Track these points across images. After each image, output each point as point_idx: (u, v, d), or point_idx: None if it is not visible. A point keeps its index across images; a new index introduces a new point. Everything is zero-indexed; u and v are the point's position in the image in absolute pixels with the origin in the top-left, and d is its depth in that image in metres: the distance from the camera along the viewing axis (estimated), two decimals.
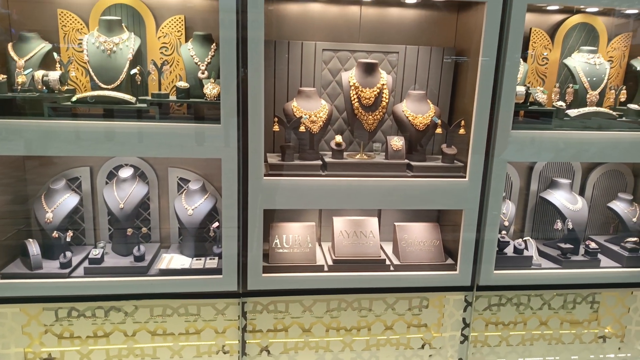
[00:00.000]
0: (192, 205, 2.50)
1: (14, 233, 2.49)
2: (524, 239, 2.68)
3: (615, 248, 2.73)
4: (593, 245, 2.66)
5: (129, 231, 2.41)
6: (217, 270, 2.35)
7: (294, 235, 2.51)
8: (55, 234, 2.34)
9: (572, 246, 2.64)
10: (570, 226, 2.65)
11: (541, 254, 2.71)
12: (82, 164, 2.54)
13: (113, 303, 2.39)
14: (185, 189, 2.57)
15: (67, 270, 2.30)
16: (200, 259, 2.45)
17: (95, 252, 2.35)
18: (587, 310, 2.71)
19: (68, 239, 2.38)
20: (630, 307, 2.74)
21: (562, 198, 2.73)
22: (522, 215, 2.90)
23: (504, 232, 2.60)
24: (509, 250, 2.60)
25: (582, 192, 2.91)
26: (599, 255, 2.67)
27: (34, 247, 2.32)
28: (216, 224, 2.48)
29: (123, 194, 2.45)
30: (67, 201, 2.44)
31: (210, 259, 2.46)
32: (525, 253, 2.61)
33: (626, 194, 2.82)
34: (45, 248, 2.37)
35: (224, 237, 2.28)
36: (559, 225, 2.67)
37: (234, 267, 2.31)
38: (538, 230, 2.91)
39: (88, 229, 2.61)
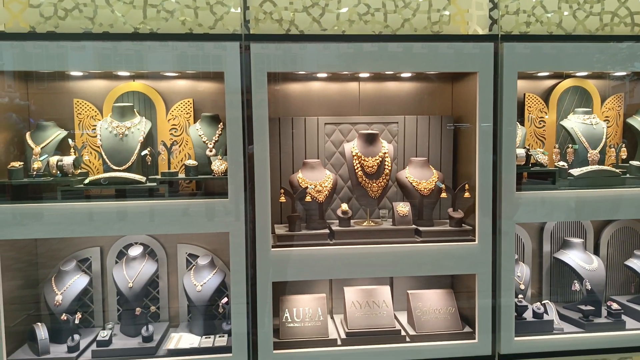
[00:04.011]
0: (201, 281, 2.48)
1: (23, 318, 2.46)
2: (543, 302, 2.59)
3: (639, 308, 2.62)
4: (615, 306, 2.56)
5: (138, 310, 2.38)
6: (227, 349, 2.28)
7: (304, 308, 2.45)
8: (63, 316, 2.32)
9: (593, 308, 2.54)
10: (589, 287, 2.57)
11: (562, 317, 2.60)
12: (92, 245, 2.57)
13: None
14: (194, 265, 2.57)
15: (74, 355, 2.25)
16: (209, 337, 2.39)
17: (104, 334, 2.31)
18: None
19: (77, 322, 2.36)
20: None
21: (576, 258, 2.67)
22: (538, 277, 2.83)
23: (520, 295, 2.52)
24: (528, 315, 2.51)
25: (596, 251, 2.85)
26: (623, 317, 2.56)
27: (41, 332, 2.29)
28: (225, 300, 2.44)
29: (132, 273, 2.45)
30: (77, 282, 2.44)
31: (219, 336, 2.40)
32: (546, 317, 2.51)
33: None
34: (53, 332, 2.34)
35: (233, 314, 2.25)
36: (576, 286, 2.59)
37: (244, 344, 2.25)
38: (556, 292, 2.82)
39: (97, 310, 2.58)
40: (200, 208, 2.23)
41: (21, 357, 2.24)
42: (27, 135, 2.40)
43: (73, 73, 2.43)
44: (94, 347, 2.29)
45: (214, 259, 2.59)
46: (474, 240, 2.37)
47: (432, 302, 2.54)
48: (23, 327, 2.40)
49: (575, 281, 2.61)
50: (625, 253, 2.85)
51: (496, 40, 2.29)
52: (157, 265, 2.55)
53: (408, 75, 2.65)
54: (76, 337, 2.31)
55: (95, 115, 2.49)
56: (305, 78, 2.65)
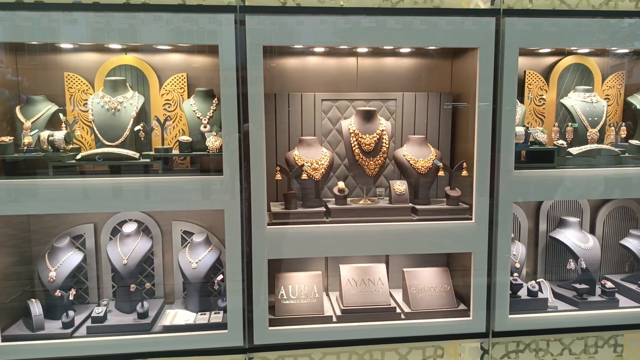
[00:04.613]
0: (196, 259, 2.47)
1: (18, 294, 2.46)
2: (538, 280, 2.60)
3: (633, 287, 2.64)
4: (609, 284, 2.58)
5: (133, 287, 2.37)
6: (222, 325, 2.29)
7: (300, 286, 2.45)
8: (58, 292, 2.31)
9: (587, 286, 2.56)
10: (584, 265, 2.58)
11: (556, 295, 2.62)
12: (86, 221, 2.55)
13: None
14: (189, 242, 2.56)
15: (69, 330, 2.24)
16: (204, 314, 2.40)
17: (98, 311, 2.30)
18: (611, 354, 2.58)
19: (71, 298, 2.35)
20: None
21: (572, 237, 2.67)
22: (533, 256, 2.84)
23: (515, 274, 2.53)
24: (523, 293, 2.52)
25: (592, 230, 2.85)
26: (617, 295, 2.57)
27: (36, 308, 2.28)
28: (220, 277, 2.44)
29: (127, 250, 2.44)
30: (71, 259, 2.42)
31: (215, 313, 2.40)
32: (540, 295, 2.52)
33: (638, 230, 2.76)
34: (48, 308, 2.33)
35: (228, 291, 2.24)
36: (571, 265, 2.60)
37: (239, 321, 2.25)
38: (551, 271, 2.83)
39: (92, 287, 2.57)
40: (195, 185, 2.19)
41: (16, 333, 2.24)
42: (17, 109, 2.34)
43: (63, 46, 2.36)
44: (88, 323, 2.29)
45: (209, 237, 2.57)
46: (471, 219, 2.36)
47: (428, 280, 2.54)
48: (17, 303, 2.39)
49: (571, 260, 2.62)
50: (621, 232, 2.86)
51: (498, 14, 2.23)
52: (151, 242, 2.53)
53: (407, 51, 2.59)
54: (71, 313, 2.31)
55: (87, 90, 2.44)
56: (302, 53, 2.60)
